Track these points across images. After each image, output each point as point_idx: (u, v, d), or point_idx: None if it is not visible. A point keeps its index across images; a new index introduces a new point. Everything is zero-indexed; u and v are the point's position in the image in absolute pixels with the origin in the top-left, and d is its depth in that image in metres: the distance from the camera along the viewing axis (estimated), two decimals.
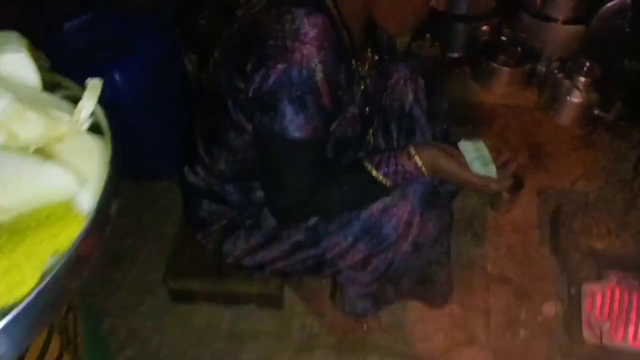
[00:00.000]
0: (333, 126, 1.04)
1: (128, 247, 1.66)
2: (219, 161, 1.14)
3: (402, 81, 1.28)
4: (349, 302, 1.29)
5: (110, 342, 1.43)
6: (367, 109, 1.15)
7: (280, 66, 0.90)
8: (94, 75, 0.68)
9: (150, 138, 1.66)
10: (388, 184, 1.03)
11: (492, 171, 1.05)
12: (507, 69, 2.10)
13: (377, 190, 1.05)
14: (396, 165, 1.03)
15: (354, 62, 1.07)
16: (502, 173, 1.06)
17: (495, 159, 1.06)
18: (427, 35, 2.14)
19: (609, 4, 1.85)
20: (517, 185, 1.67)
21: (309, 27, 0.89)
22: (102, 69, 1.47)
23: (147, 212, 1.76)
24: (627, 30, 1.82)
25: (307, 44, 0.89)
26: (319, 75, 0.91)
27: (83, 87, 0.67)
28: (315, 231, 1.12)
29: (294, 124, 0.92)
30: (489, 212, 1.74)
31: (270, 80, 0.91)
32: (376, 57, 1.17)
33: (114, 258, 1.62)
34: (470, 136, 1.11)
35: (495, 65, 2.11)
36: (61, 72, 0.74)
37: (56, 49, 1.52)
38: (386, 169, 1.03)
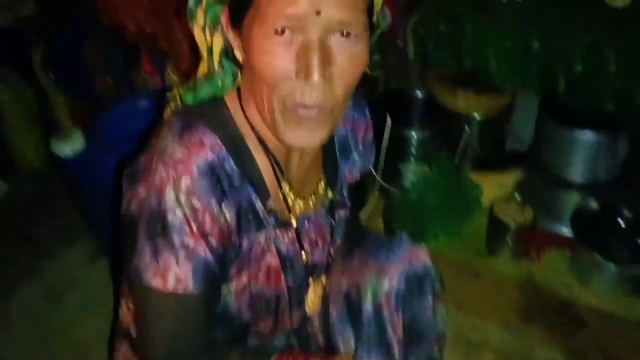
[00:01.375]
0: (242, 280, 0.85)
1: None
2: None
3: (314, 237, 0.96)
4: None
5: None
6: (304, 260, 0.92)
7: (141, 190, 0.75)
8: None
9: None
10: None
11: None
12: (616, 266, 1.55)
13: None
14: None
15: (270, 201, 0.85)
16: None
17: None
18: (516, 194, 1.68)
19: None
20: None
21: (177, 146, 0.75)
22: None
23: None
24: None
25: (170, 167, 0.73)
26: (185, 210, 0.74)
27: None
28: None
29: (152, 268, 0.75)
30: None
31: (132, 206, 0.76)
32: (329, 194, 0.95)
33: None
34: None
35: (600, 258, 1.57)
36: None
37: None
38: None
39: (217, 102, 0.82)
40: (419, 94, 1.91)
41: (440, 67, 1.69)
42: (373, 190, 1.91)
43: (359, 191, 1.85)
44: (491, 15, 1.61)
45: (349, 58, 0.71)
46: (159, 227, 0.74)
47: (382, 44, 1.89)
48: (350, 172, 1.00)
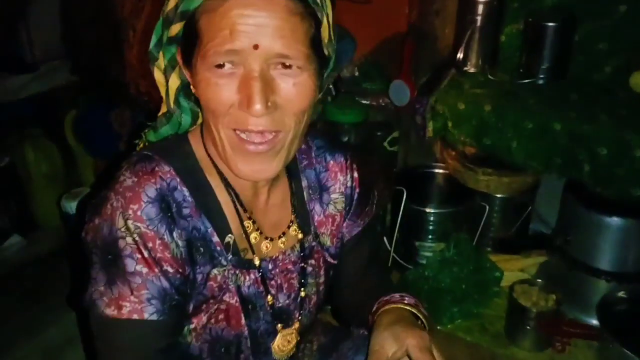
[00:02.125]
0: (202, 319, 0.82)
1: None
2: None
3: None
4: None
5: None
6: (270, 303, 0.89)
7: (96, 220, 0.76)
8: None
9: None
10: None
11: None
12: None
13: None
14: None
15: (231, 238, 0.84)
16: None
17: None
18: (539, 280, 1.60)
19: None
20: None
21: (128, 175, 0.76)
22: None
23: None
24: None
25: (120, 196, 0.74)
26: (134, 236, 0.73)
27: None
28: None
29: (106, 297, 0.74)
30: None
31: (88, 237, 0.77)
32: (300, 235, 0.93)
33: None
34: None
35: (628, 351, 1.45)
36: None
37: None
38: None
39: (177, 138, 0.85)
40: (437, 170, 1.89)
41: (459, 145, 1.67)
42: (387, 264, 1.85)
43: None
44: (511, 96, 1.60)
45: (293, 88, 0.73)
46: (112, 255, 0.74)
47: (400, 120, 1.91)
48: (328, 214, 0.96)
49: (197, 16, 0.72)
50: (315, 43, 0.75)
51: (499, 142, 1.56)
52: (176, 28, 0.75)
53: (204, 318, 0.83)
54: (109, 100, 2.23)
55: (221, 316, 0.84)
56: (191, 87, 0.79)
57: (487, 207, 1.76)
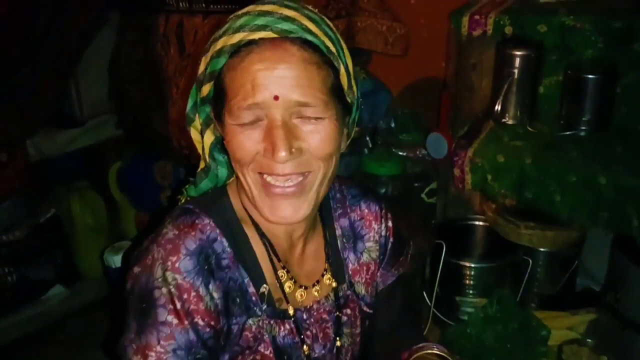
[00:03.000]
0: None
1: None
2: None
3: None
4: None
5: None
6: (306, 353, 0.88)
7: (135, 269, 0.79)
8: None
9: None
10: None
11: None
12: None
13: None
14: None
15: (266, 288, 0.84)
16: None
17: None
18: (589, 340, 1.52)
19: None
20: None
21: (170, 228, 0.79)
22: None
23: None
24: None
25: (161, 248, 0.77)
26: (169, 287, 0.75)
27: None
28: None
29: (134, 344, 0.76)
30: None
31: (128, 285, 0.80)
32: (334, 284, 0.93)
33: None
34: None
35: None
36: None
37: None
38: None
39: (217, 191, 0.88)
40: (477, 223, 1.85)
41: (499, 198, 1.64)
42: (427, 319, 1.80)
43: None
44: (552, 148, 1.57)
45: (315, 134, 0.76)
46: (146, 303, 0.76)
47: (437, 171, 1.90)
48: (362, 263, 0.97)
49: (222, 74, 0.77)
50: (335, 90, 0.78)
51: (541, 195, 1.52)
52: (207, 88, 0.80)
53: None
54: (152, 153, 2.31)
55: None
56: (224, 141, 0.83)
57: (531, 261, 1.70)
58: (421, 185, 1.99)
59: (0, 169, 2.19)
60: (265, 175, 0.77)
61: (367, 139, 1.99)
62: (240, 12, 0.78)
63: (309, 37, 0.74)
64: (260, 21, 0.74)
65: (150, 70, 2.06)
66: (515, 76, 1.66)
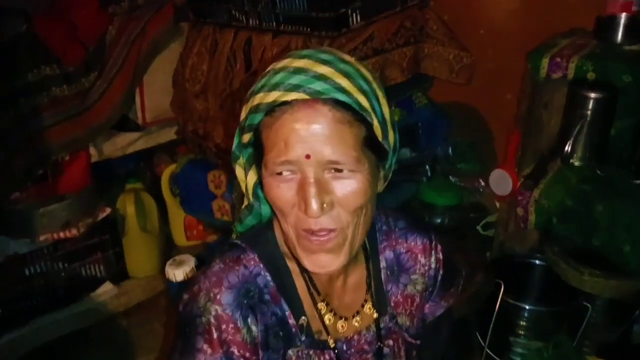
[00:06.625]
0: None
1: None
2: None
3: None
4: None
5: None
6: None
7: (185, 296, 0.85)
8: None
9: None
10: None
11: None
12: None
13: None
14: None
15: (305, 319, 0.88)
16: None
17: None
18: None
19: None
20: None
21: (218, 262, 0.85)
22: None
23: None
24: None
25: (207, 280, 0.83)
26: (209, 317, 0.81)
27: None
28: None
29: None
30: None
31: (179, 308, 0.85)
32: (375, 315, 0.94)
33: None
34: None
35: None
36: None
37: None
38: None
39: (263, 226, 0.92)
40: (537, 264, 1.81)
41: (564, 240, 1.61)
42: (479, 358, 1.78)
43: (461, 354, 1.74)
44: (623, 197, 1.53)
45: (347, 188, 0.78)
46: (189, 329, 0.82)
47: (499, 209, 1.87)
48: (406, 295, 0.97)
49: (260, 129, 0.80)
50: (368, 143, 0.79)
51: (609, 243, 1.49)
52: (247, 137, 0.83)
53: None
54: (208, 162, 2.35)
55: None
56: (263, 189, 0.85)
57: (590, 307, 1.66)
58: (477, 217, 1.97)
59: (62, 168, 2.26)
60: (300, 228, 0.80)
61: (427, 167, 1.98)
62: (277, 66, 0.79)
63: (341, 98, 0.75)
64: (294, 80, 0.76)
65: (214, 84, 2.09)
66: (587, 118, 1.63)
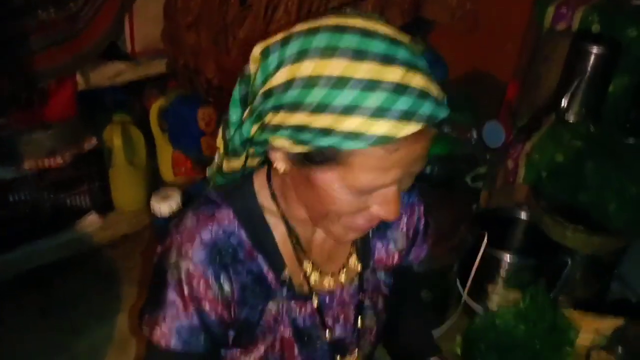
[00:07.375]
0: (260, 351, 0.86)
1: None
2: None
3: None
4: None
5: None
6: (328, 337, 0.90)
7: (159, 248, 0.84)
8: None
9: None
10: None
11: None
12: None
13: None
14: None
15: (286, 272, 0.85)
16: None
17: None
18: (619, 346, 1.53)
19: None
20: None
21: (191, 216, 0.82)
22: None
23: None
24: None
25: (179, 235, 0.81)
26: (180, 272, 0.79)
27: None
28: None
29: (147, 314, 0.82)
30: None
31: (154, 259, 0.84)
32: (359, 268, 0.93)
33: None
34: None
35: None
36: None
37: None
38: None
39: (244, 178, 0.86)
40: (522, 217, 1.83)
41: (551, 196, 1.62)
42: (457, 306, 1.82)
43: (440, 305, 1.77)
44: (615, 157, 1.53)
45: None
46: (161, 281, 0.81)
47: (485, 156, 1.86)
48: (387, 251, 0.97)
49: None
50: None
51: (596, 201, 1.50)
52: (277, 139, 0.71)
53: (261, 350, 0.86)
54: (198, 97, 2.29)
55: (277, 348, 0.87)
56: (275, 161, 0.75)
57: (570, 262, 1.70)
58: (467, 168, 1.96)
59: (48, 96, 2.20)
60: (352, 226, 0.76)
61: None
62: (334, 72, 0.62)
63: (444, 115, 0.66)
64: (403, 104, 0.62)
65: (207, 16, 2.01)
66: (587, 74, 1.60)
